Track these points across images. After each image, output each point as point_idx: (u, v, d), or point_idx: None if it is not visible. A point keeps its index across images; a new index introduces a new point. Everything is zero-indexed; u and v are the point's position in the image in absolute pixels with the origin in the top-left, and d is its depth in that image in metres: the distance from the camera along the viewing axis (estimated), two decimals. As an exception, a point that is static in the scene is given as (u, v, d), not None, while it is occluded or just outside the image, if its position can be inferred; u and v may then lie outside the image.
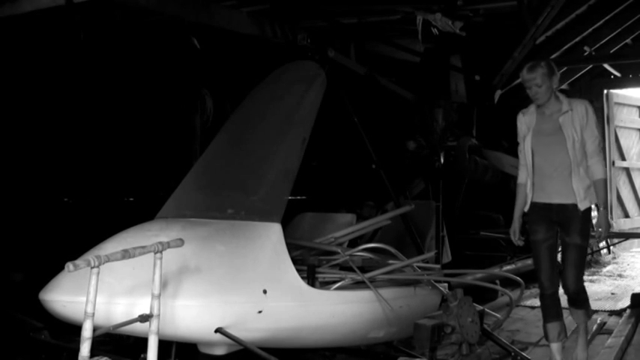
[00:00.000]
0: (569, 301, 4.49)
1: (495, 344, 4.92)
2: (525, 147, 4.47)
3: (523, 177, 4.52)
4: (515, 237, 4.56)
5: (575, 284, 4.39)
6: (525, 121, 4.52)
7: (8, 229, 5.67)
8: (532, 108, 4.48)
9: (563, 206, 4.35)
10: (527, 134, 4.47)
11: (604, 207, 4.37)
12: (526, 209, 4.50)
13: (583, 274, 4.52)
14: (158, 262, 2.94)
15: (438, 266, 5.16)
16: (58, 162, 6.13)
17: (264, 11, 6.43)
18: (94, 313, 2.67)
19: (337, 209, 6.00)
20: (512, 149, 9.15)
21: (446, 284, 5.01)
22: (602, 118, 11.60)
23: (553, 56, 9.09)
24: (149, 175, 6.55)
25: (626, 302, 6.90)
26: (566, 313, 4.56)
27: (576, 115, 4.35)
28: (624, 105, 12.03)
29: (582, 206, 4.30)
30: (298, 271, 3.97)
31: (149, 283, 2.98)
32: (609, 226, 4.50)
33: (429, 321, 4.23)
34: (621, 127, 11.90)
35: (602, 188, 4.35)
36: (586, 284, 9.20)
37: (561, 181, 4.36)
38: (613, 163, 11.64)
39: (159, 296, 2.98)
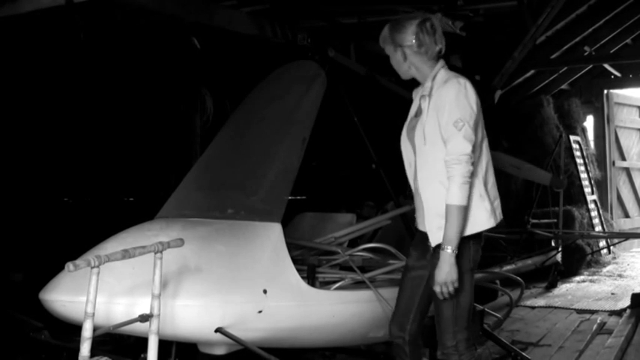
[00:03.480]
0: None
1: (495, 344, 4.92)
2: (402, 143, 3.24)
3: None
4: None
5: (441, 345, 3.07)
6: (414, 104, 3.17)
7: (8, 229, 5.67)
8: None
9: (425, 236, 3.07)
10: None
11: (450, 248, 2.83)
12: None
13: (448, 336, 3.11)
14: (158, 262, 2.94)
15: (438, 266, 5.15)
16: (58, 162, 6.13)
17: (264, 11, 6.42)
18: (94, 313, 2.67)
19: (337, 209, 5.99)
20: (512, 149, 9.18)
21: (446, 284, 5.00)
22: (602, 118, 11.62)
23: (553, 56, 9.11)
24: (149, 175, 6.55)
25: (626, 302, 6.91)
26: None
27: (434, 101, 2.91)
28: (624, 105, 12.05)
29: (435, 241, 2.94)
30: (298, 271, 3.96)
31: (149, 283, 2.98)
32: (452, 275, 2.85)
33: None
34: (621, 127, 11.92)
35: (453, 217, 2.80)
36: (586, 284, 9.24)
37: (420, 200, 3.07)
38: (613, 163, 11.66)
39: (159, 296, 2.97)
